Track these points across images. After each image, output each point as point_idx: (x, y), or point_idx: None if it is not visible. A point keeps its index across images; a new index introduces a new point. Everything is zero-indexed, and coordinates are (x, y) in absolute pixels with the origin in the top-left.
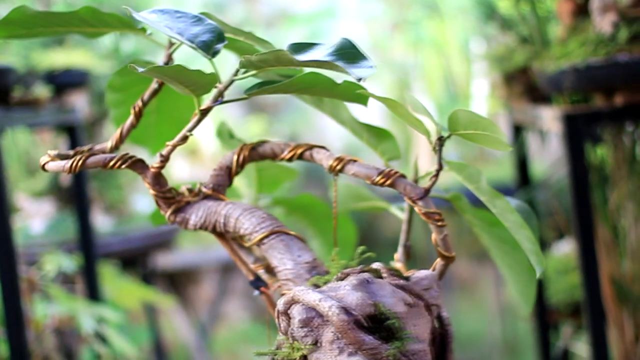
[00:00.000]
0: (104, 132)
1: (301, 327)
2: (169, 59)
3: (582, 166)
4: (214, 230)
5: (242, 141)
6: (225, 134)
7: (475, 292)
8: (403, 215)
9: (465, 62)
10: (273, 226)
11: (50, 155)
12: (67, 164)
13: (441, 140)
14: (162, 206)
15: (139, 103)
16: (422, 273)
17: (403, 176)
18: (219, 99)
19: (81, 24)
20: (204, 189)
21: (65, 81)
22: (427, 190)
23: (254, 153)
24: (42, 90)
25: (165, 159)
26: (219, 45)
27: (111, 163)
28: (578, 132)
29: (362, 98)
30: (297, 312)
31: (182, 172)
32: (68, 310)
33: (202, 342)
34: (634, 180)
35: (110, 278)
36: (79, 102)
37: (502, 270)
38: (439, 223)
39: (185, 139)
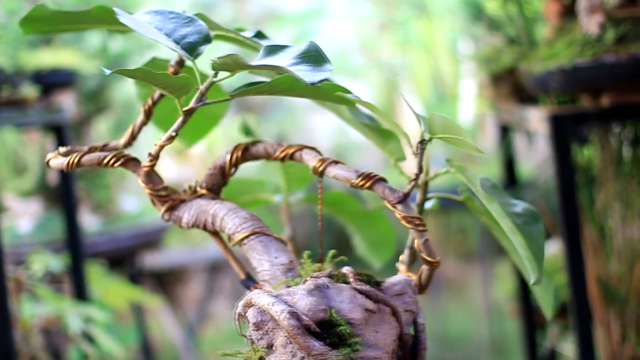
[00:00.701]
0: (91, 132)
1: (255, 330)
2: (180, 58)
3: (569, 167)
4: (205, 229)
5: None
6: (246, 132)
7: (462, 292)
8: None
9: (453, 63)
10: (254, 227)
11: (60, 151)
12: (65, 161)
13: (422, 144)
14: (157, 204)
15: (149, 102)
16: (395, 278)
17: (383, 180)
18: (201, 100)
19: (97, 22)
20: (198, 188)
21: (52, 81)
22: (405, 195)
23: (247, 153)
24: (29, 90)
25: (154, 158)
26: (203, 47)
27: (105, 161)
28: (565, 133)
29: (346, 100)
30: (251, 315)
31: (169, 172)
32: (55, 310)
33: (189, 341)
34: (621, 181)
35: (98, 278)
36: (67, 102)
37: (524, 276)
38: (420, 228)
39: (171, 138)
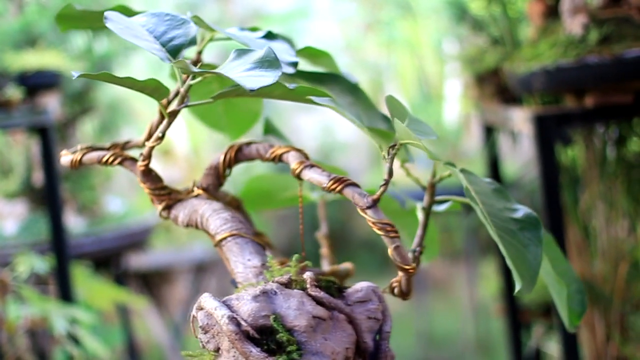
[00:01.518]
0: (76, 133)
1: (203, 333)
2: (197, 57)
3: (553, 167)
4: (197, 228)
5: (287, 139)
6: (268, 130)
7: (448, 292)
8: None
9: (438, 63)
10: (232, 229)
11: (82, 148)
12: (69, 158)
13: (392, 149)
14: (155, 202)
15: (164, 102)
16: (359, 285)
17: (353, 184)
18: (183, 102)
19: None
20: (194, 188)
21: (37, 83)
22: (375, 200)
23: (240, 154)
24: (14, 92)
25: (146, 158)
26: (184, 51)
27: (104, 159)
28: (548, 134)
29: (316, 103)
30: (199, 318)
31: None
32: (41, 312)
33: (175, 342)
34: (605, 181)
35: (83, 279)
36: (51, 104)
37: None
38: (391, 234)
39: (160, 139)
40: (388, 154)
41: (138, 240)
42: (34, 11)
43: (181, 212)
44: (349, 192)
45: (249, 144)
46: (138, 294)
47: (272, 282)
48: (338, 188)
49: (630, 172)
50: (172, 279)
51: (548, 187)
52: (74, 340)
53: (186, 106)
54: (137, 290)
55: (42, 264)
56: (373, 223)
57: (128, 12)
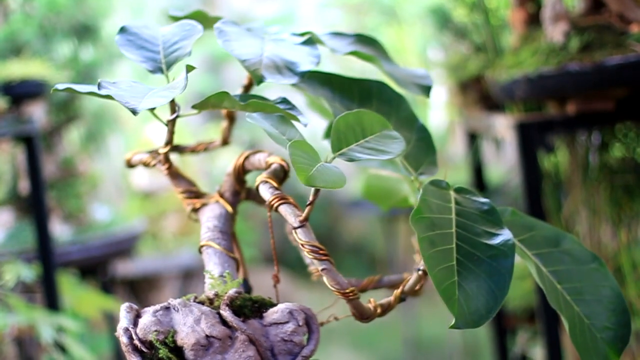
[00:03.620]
0: (62, 142)
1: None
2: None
3: (535, 174)
4: None
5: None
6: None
7: (435, 296)
8: None
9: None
10: (207, 239)
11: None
12: (127, 157)
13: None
14: (184, 204)
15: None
16: (278, 307)
17: (289, 203)
18: (175, 112)
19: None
20: (216, 194)
21: (22, 92)
22: (303, 221)
23: (247, 162)
24: None
25: (164, 162)
26: (178, 63)
27: (145, 162)
28: (531, 141)
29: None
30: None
31: (142, 180)
32: (27, 320)
33: None
34: (588, 187)
35: (70, 287)
36: (37, 112)
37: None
38: (321, 257)
39: (168, 144)
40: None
41: (125, 247)
42: (19, 20)
43: (202, 216)
44: (282, 209)
45: (256, 152)
46: (125, 300)
47: (203, 296)
48: (275, 205)
49: (612, 177)
50: (160, 286)
51: (530, 194)
52: (61, 348)
53: (178, 116)
54: (124, 297)
55: (28, 272)
56: (302, 244)
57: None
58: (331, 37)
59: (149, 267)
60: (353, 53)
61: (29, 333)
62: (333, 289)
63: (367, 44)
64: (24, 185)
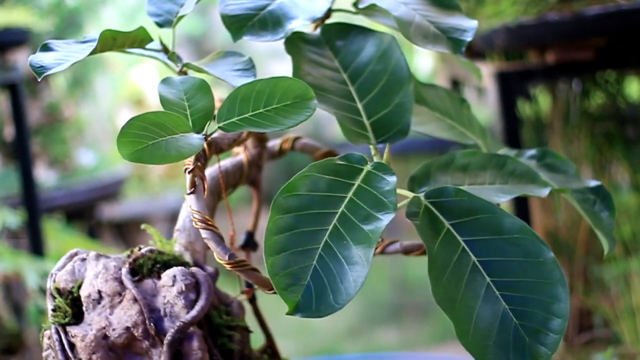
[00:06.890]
0: (48, 87)
1: None
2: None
3: (515, 122)
4: None
5: None
6: None
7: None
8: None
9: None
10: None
11: None
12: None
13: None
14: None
15: None
16: (172, 269)
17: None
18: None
19: None
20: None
21: (5, 40)
22: (191, 187)
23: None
24: None
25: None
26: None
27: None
28: (511, 90)
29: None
30: None
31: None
32: (13, 266)
33: None
34: (568, 134)
35: (55, 232)
36: (21, 60)
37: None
38: (203, 225)
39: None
40: None
41: (111, 191)
42: None
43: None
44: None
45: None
46: (113, 243)
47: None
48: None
49: (593, 124)
50: None
51: (510, 142)
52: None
53: None
54: (111, 240)
55: (13, 218)
56: (191, 212)
57: None
58: None
59: (136, 209)
60: None
61: (15, 279)
62: (219, 260)
63: None
64: (9, 132)
